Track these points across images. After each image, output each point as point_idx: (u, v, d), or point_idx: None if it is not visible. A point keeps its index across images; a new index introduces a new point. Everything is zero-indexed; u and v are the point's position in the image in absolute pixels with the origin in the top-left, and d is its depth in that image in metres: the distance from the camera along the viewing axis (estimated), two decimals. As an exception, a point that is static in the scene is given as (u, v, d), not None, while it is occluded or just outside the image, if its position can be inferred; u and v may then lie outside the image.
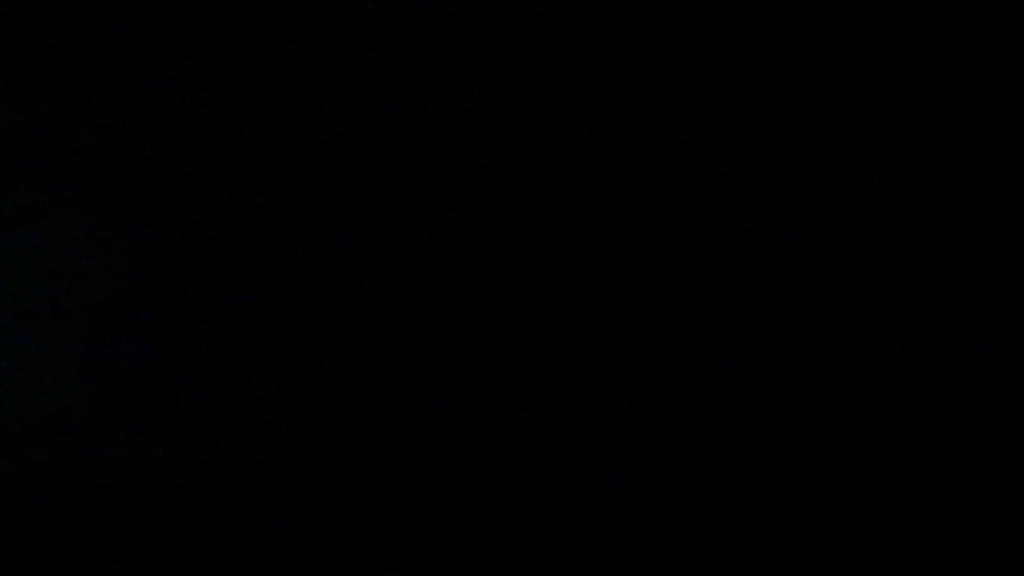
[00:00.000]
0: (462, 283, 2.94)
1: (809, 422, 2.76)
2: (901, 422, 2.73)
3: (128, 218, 3.09)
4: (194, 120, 3.11)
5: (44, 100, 3.15)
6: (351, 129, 3.04)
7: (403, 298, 2.97)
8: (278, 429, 2.96)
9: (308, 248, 3.02)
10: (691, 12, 2.90)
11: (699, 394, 2.81)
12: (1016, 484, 2.63)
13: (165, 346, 3.03)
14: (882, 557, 2.68)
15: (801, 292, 2.80)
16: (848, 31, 2.84)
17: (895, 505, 2.70)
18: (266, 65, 3.09)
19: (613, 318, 2.87)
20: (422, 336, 2.95)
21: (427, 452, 2.90)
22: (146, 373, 3.02)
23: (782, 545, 2.73)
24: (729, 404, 2.79)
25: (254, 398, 2.98)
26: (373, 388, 2.94)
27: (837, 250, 2.80)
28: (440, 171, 2.99)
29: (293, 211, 3.03)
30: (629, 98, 2.93)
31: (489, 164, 2.97)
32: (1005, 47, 2.73)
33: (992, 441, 2.67)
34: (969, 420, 2.69)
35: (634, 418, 2.83)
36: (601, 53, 2.94)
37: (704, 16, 2.90)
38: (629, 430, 2.83)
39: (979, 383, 2.69)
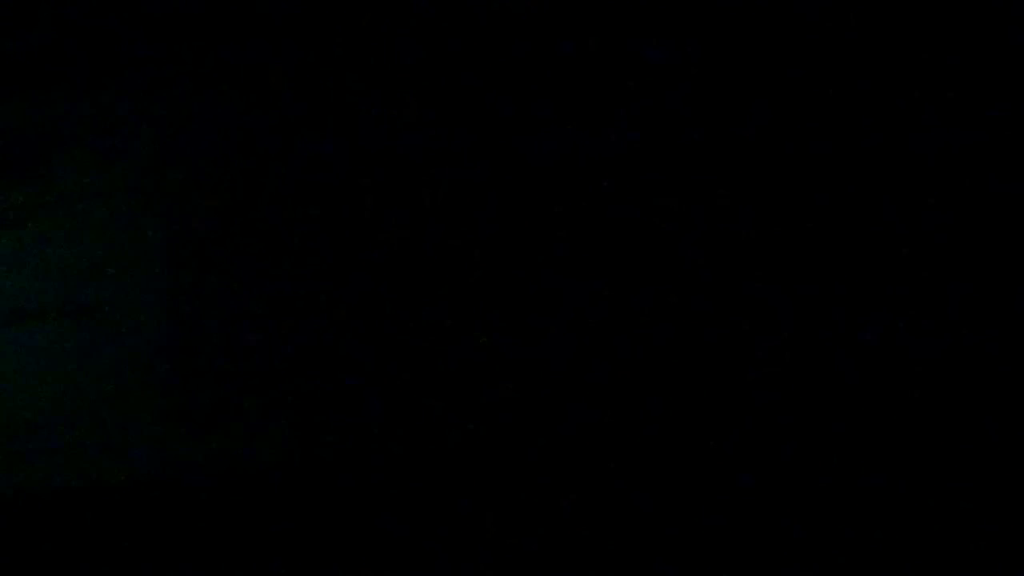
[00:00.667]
0: (461, 283, 2.95)
1: (807, 422, 2.77)
2: (897, 421, 2.74)
3: (127, 219, 3.09)
4: (192, 121, 3.11)
5: (43, 101, 3.15)
6: (348, 130, 3.05)
7: (403, 298, 2.97)
8: (278, 429, 2.96)
9: (306, 248, 3.02)
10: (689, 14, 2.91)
11: (697, 394, 2.82)
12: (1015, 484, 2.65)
13: (164, 346, 3.03)
14: (881, 557, 2.70)
15: (799, 292, 2.81)
16: (844, 31, 2.85)
17: (893, 505, 2.71)
18: (265, 66, 3.09)
19: (611, 318, 2.88)
20: (422, 336, 2.95)
21: (427, 452, 2.91)
22: (144, 373, 3.02)
23: (781, 545, 2.74)
24: (727, 404, 2.80)
25: (253, 398, 2.98)
26: (373, 387, 2.95)
27: (835, 250, 2.81)
28: (440, 171, 3.00)
29: (292, 211, 3.04)
30: (625, 99, 2.95)
31: (488, 165, 2.98)
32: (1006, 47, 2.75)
33: (991, 441, 2.68)
34: (967, 420, 2.70)
35: (631, 418, 2.84)
36: (601, 54, 2.95)
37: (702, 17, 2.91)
38: (626, 430, 2.84)
39: (977, 383, 2.70)
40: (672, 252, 2.86)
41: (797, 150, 2.85)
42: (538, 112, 2.96)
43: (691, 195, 2.87)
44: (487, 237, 2.94)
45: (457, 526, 2.86)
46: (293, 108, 3.07)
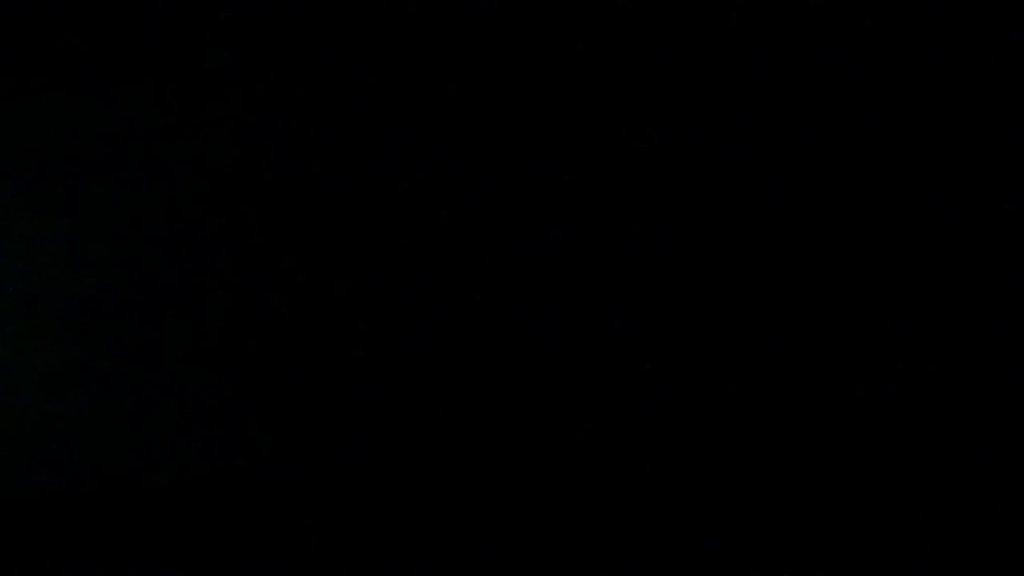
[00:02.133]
0: (460, 285, 2.95)
1: (807, 423, 2.77)
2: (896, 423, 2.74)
3: (126, 220, 3.09)
4: (189, 124, 3.10)
5: (42, 102, 3.14)
6: (344, 132, 3.05)
7: (401, 300, 2.97)
8: (277, 430, 2.96)
9: (304, 249, 3.02)
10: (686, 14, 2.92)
11: (695, 396, 2.82)
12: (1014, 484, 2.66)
13: (162, 347, 3.02)
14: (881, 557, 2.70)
15: (798, 293, 2.82)
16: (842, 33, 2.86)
17: (892, 506, 2.72)
18: (261, 69, 3.09)
19: (609, 320, 2.88)
20: (421, 338, 2.95)
21: (427, 454, 2.91)
22: (141, 375, 3.02)
23: (780, 545, 2.74)
24: (726, 406, 2.81)
25: (251, 399, 2.97)
26: (371, 388, 2.95)
27: (835, 251, 2.82)
28: (438, 172, 3.00)
29: (288, 213, 3.03)
30: (624, 99, 2.95)
31: (486, 165, 2.98)
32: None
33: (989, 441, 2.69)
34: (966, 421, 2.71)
35: (629, 420, 2.84)
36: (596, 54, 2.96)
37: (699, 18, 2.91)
38: (624, 432, 2.84)
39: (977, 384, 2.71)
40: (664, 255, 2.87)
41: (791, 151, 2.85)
42: (533, 111, 2.97)
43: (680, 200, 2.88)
44: (472, 240, 2.94)
45: (450, 530, 2.86)
46: (293, 108, 3.07)
